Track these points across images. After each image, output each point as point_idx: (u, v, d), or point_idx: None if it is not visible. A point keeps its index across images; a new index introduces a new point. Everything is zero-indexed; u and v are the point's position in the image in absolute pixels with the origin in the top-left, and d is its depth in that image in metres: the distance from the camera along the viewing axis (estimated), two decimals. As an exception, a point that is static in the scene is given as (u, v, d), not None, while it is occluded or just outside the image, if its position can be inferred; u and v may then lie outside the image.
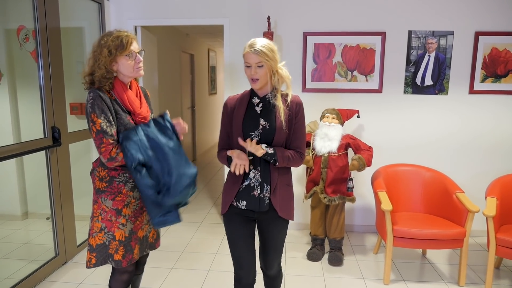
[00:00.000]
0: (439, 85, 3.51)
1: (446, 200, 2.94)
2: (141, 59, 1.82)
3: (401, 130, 3.61)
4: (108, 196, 1.82)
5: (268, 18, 3.35)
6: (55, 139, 2.86)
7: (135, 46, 1.80)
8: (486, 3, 3.38)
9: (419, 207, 3.12)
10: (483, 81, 3.47)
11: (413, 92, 3.54)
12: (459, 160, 3.61)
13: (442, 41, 3.45)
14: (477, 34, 3.41)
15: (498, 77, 3.45)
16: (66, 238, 3.06)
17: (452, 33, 3.44)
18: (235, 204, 1.84)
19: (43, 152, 2.82)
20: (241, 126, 1.79)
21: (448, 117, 3.56)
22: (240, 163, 1.73)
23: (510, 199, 2.87)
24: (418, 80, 3.52)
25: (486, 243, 2.65)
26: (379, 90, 3.56)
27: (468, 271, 3.00)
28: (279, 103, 1.76)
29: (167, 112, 1.88)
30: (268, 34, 3.29)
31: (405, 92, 3.55)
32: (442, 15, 3.42)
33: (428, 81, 3.51)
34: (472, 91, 3.49)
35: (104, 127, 1.69)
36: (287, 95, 1.82)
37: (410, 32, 3.47)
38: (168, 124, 1.82)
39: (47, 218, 3.04)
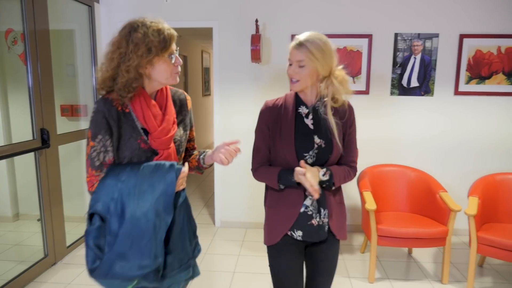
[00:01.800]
0: (425, 87, 3.57)
1: (430, 200, 2.99)
2: (181, 61, 1.41)
3: (387, 131, 3.67)
4: None
5: (256, 21, 3.40)
6: (44, 141, 2.89)
7: (174, 45, 1.38)
8: (470, 6, 3.44)
9: (405, 207, 3.17)
10: (467, 82, 3.53)
11: (400, 94, 3.60)
12: (445, 161, 3.66)
13: (428, 44, 3.51)
14: (462, 37, 3.47)
15: (482, 79, 3.52)
16: (56, 239, 3.08)
17: (437, 35, 3.50)
18: (289, 234, 1.57)
19: (33, 153, 2.85)
20: (293, 144, 1.49)
21: (434, 118, 3.62)
22: (316, 184, 1.42)
23: (492, 198, 2.93)
24: (404, 82, 3.58)
25: (469, 241, 2.70)
26: (366, 92, 3.61)
27: (452, 269, 3.05)
28: (330, 117, 1.48)
29: (184, 167, 1.38)
30: (256, 37, 3.33)
31: (392, 93, 3.61)
32: (427, 18, 3.48)
33: (414, 83, 3.57)
34: (457, 92, 3.55)
35: (93, 154, 1.33)
36: (336, 100, 1.52)
37: (396, 35, 3.52)
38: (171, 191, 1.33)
39: (38, 220, 3.06)
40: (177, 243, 1.42)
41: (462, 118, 3.60)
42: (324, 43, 1.44)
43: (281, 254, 1.58)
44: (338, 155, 1.55)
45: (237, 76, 3.69)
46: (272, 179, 1.54)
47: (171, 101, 1.45)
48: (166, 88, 1.45)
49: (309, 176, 1.41)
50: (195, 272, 1.54)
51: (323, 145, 1.50)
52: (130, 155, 1.35)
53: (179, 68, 1.40)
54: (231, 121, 3.76)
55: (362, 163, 3.41)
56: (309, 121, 1.51)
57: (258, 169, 1.61)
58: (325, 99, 1.49)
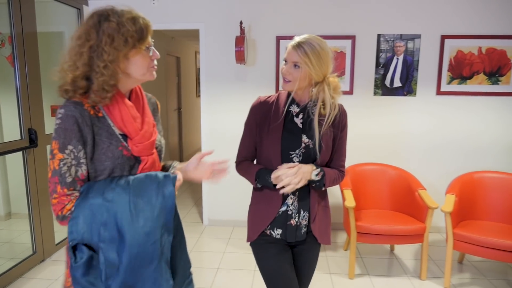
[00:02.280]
0: (407, 87, 3.64)
1: (409, 197, 3.06)
2: (158, 54, 1.25)
3: (371, 131, 3.73)
4: None
5: (241, 22, 3.47)
6: (31, 141, 2.96)
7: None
8: (451, 7, 3.51)
9: (386, 205, 3.23)
10: (449, 82, 3.60)
11: (383, 94, 3.66)
12: (428, 160, 3.73)
13: (410, 44, 3.58)
14: (443, 38, 3.53)
15: (463, 79, 3.58)
16: (44, 237, 3.15)
17: (419, 36, 3.56)
18: (268, 232, 1.57)
19: (21, 153, 2.92)
20: (279, 142, 1.48)
21: (416, 118, 3.68)
22: (294, 183, 1.41)
23: (470, 196, 2.99)
24: (387, 82, 3.64)
25: (446, 238, 2.76)
26: (350, 92, 3.67)
27: (433, 266, 3.11)
28: (316, 123, 1.46)
29: (178, 175, 1.26)
30: (240, 38, 3.40)
31: (375, 93, 3.67)
32: (409, 19, 3.55)
33: (397, 83, 3.64)
34: (439, 92, 3.62)
35: (64, 169, 1.11)
36: (325, 106, 1.48)
37: (379, 36, 3.59)
38: (170, 200, 1.18)
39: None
40: (179, 257, 1.28)
41: (444, 117, 3.66)
42: (322, 48, 1.42)
43: (265, 253, 1.57)
44: (327, 158, 1.53)
45: (223, 77, 3.76)
46: (250, 176, 1.55)
47: (146, 102, 1.31)
48: (140, 88, 1.31)
49: (288, 179, 1.40)
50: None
51: (311, 145, 1.48)
52: (112, 165, 1.16)
53: (156, 62, 1.25)
54: (217, 120, 3.83)
55: (356, 162, 3.49)
56: (298, 120, 1.51)
57: (240, 163, 1.62)
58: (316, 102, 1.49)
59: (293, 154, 1.49)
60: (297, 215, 1.53)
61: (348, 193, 2.94)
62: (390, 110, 3.69)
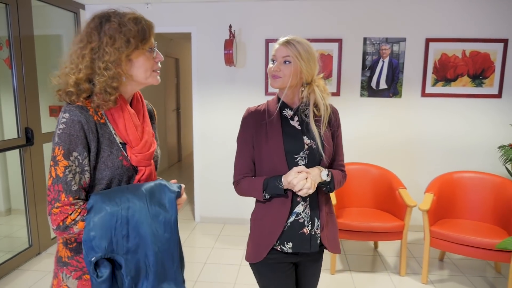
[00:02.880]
0: (393, 89, 3.73)
1: (391, 196, 3.15)
2: (162, 57, 1.22)
3: (357, 132, 3.83)
4: (72, 272, 1.16)
5: (230, 26, 3.59)
6: (28, 139, 3.11)
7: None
8: (436, 11, 3.60)
9: (369, 203, 3.33)
10: (434, 84, 3.69)
11: (369, 95, 3.76)
12: (412, 159, 3.81)
13: (395, 47, 3.67)
14: (428, 41, 3.62)
15: (448, 81, 3.67)
16: (40, 231, 3.30)
17: (404, 39, 3.65)
18: (278, 248, 1.45)
19: (18, 151, 3.07)
20: (282, 146, 1.41)
21: (402, 119, 3.77)
22: (307, 187, 1.34)
23: (448, 195, 3.08)
24: (373, 84, 3.74)
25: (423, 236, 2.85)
26: (337, 94, 3.78)
27: (413, 263, 3.20)
28: (313, 124, 1.44)
29: (182, 185, 1.24)
30: (229, 42, 3.52)
31: (361, 95, 3.77)
32: (394, 23, 3.64)
33: (383, 85, 3.73)
34: (424, 94, 3.71)
35: (69, 176, 1.07)
36: (319, 108, 1.47)
37: (365, 39, 3.69)
38: (169, 203, 1.17)
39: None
40: (181, 257, 1.26)
41: (429, 119, 3.75)
42: (310, 47, 1.42)
43: (271, 274, 1.47)
44: (330, 157, 1.48)
45: (214, 78, 3.88)
46: (257, 189, 1.43)
47: (146, 110, 1.28)
48: (140, 94, 1.28)
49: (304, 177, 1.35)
50: None
51: (314, 146, 1.43)
52: (111, 175, 1.13)
53: (160, 65, 1.21)
54: (209, 119, 3.95)
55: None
56: (295, 123, 1.46)
57: (241, 181, 1.50)
58: (307, 103, 1.46)
59: (297, 157, 1.43)
60: (310, 223, 1.43)
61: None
62: (376, 112, 3.78)
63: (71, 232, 1.07)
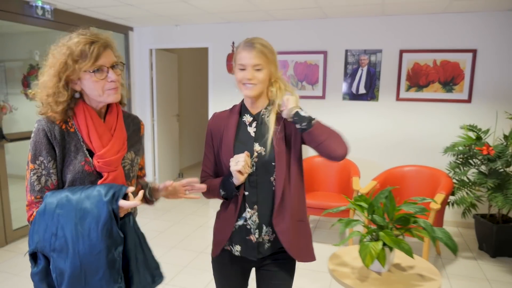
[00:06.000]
0: (371, 93, 4.30)
1: (348, 182, 3.79)
2: (115, 77, 1.23)
3: (340, 129, 4.45)
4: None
5: (233, 43, 4.52)
6: None
7: (108, 58, 1.23)
8: (408, 26, 4.09)
9: (334, 188, 3.99)
10: (407, 90, 4.17)
11: (350, 99, 4.38)
12: (385, 155, 4.32)
13: (373, 58, 4.24)
14: (401, 52, 4.13)
15: (420, 87, 4.12)
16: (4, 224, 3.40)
17: (380, 51, 4.21)
18: (228, 249, 1.50)
19: None
20: (232, 153, 1.43)
21: (378, 120, 4.32)
22: (241, 165, 1.35)
23: (389, 184, 3.60)
24: (353, 89, 4.35)
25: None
26: (323, 97, 4.46)
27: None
28: (271, 123, 1.42)
29: (129, 188, 1.23)
30: (230, 55, 4.45)
31: (344, 98, 4.40)
32: (372, 37, 4.22)
33: (362, 90, 4.32)
34: (398, 98, 4.21)
35: (33, 178, 1.22)
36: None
37: (346, 51, 4.32)
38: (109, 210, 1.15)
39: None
40: (140, 261, 1.28)
41: (402, 120, 4.24)
42: (271, 46, 1.43)
43: (220, 271, 1.55)
44: (283, 165, 1.41)
45: (225, 85, 4.84)
46: (216, 186, 1.47)
47: (122, 121, 1.34)
48: (117, 107, 1.35)
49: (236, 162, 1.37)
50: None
51: (263, 153, 1.42)
52: (72, 178, 1.23)
53: (114, 85, 1.23)
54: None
55: (309, 155, 4.30)
56: (252, 129, 1.47)
57: (203, 182, 1.51)
58: (273, 104, 1.46)
59: None
60: (257, 230, 1.43)
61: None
62: (356, 113, 4.39)
63: None
